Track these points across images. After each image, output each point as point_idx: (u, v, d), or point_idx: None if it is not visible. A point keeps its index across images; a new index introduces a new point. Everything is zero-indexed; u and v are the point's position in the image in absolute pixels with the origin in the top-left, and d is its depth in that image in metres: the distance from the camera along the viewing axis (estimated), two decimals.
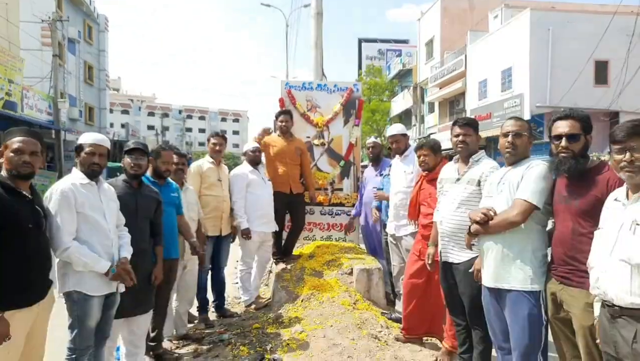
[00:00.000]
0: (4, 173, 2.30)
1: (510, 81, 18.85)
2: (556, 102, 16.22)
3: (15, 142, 2.29)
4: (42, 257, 2.40)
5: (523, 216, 2.46)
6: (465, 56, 22.18)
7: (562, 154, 2.36)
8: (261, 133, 5.14)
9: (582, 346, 2.27)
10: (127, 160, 3.17)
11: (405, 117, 31.93)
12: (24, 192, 2.31)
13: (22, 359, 2.38)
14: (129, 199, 3.12)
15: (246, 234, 4.65)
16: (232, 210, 4.70)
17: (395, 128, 4.68)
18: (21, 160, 2.28)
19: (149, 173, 3.63)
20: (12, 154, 2.27)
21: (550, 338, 2.54)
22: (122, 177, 3.24)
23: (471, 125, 3.16)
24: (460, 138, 3.10)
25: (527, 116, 17.24)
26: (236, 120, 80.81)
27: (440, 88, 25.14)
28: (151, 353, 3.63)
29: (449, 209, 3.12)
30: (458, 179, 3.11)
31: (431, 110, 27.63)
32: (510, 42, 18.57)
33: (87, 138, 2.83)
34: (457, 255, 3.07)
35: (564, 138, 2.36)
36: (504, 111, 18.15)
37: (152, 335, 3.63)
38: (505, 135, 2.68)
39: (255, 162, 4.85)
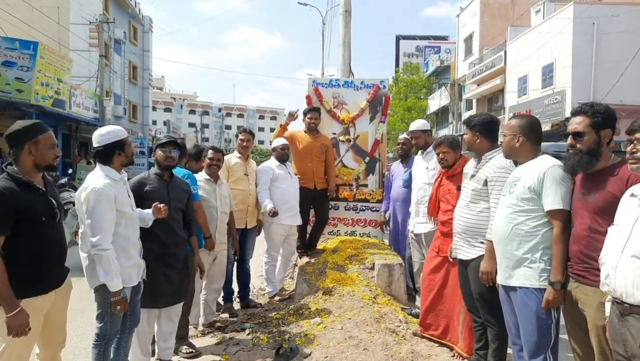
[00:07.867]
0: (15, 168, 2.33)
1: (551, 77, 18.19)
2: (600, 98, 15.48)
3: (49, 137, 2.40)
4: (57, 247, 2.47)
5: (564, 224, 2.43)
6: (505, 52, 21.59)
7: (570, 151, 2.38)
8: (288, 118, 5.24)
9: (595, 345, 2.24)
10: (159, 153, 3.28)
11: (442, 115, 31.41)
12: (38, 185, 2.38)
13: (43, 341, 2.50)
14: (162, 191, 3.22)
15: (273, 212, 4.62)
16: (257, 202, 4.83)
17: (415, 124, 4.66)
18: (54, 155, 2.41)
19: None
20: (48, 150, 2.38)
21: (565, 336, 2.51)
22: (154, 170, 3.33)
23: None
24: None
25: (568, 113, 16.60)
26: (273, 118, 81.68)
27: (478, 85, 24.58)
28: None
29: (459, 205, 3.14)
30: (472, 175, 3.11)
31: (469, 107, 27.05)
32: (553, 36, 17.91)
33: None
34: (466, 252, 3.08)
35: (569, 136, 2.37)
36: (544, 108, 17.56)
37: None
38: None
39: (283, 159, 4.94)
